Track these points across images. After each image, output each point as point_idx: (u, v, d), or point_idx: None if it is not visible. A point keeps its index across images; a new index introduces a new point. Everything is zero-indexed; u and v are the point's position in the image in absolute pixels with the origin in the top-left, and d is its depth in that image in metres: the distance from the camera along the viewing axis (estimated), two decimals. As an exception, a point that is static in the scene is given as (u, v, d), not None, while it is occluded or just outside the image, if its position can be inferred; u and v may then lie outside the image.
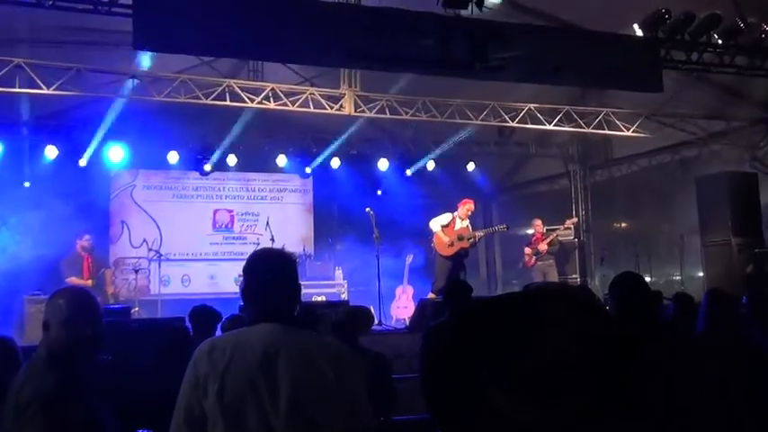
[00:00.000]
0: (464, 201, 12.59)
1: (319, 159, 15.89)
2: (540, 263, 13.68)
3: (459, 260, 12.29)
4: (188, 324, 6.79)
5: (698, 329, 4.70)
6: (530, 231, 14.79)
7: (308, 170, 16.14)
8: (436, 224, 12.37)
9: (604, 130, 14.31)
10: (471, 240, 12.33)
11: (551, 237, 13.73)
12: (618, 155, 16.45)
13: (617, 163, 16.60)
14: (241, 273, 2.83)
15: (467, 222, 12.48)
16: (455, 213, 12.44)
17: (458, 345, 1.06)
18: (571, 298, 1.03)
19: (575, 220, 15.03)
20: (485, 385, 0.98)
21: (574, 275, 14.69)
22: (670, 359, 3.22)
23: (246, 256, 2.82)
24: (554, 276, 13.56)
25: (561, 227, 14.21)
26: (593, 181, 17.27)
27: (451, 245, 12.19)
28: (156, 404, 3.20)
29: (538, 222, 14.03)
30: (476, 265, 18.58)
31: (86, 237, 12.67)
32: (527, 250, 13.85)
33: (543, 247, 13.63)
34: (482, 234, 12.64)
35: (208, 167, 15.34)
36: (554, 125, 13.93)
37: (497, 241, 19.34)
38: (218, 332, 6.28)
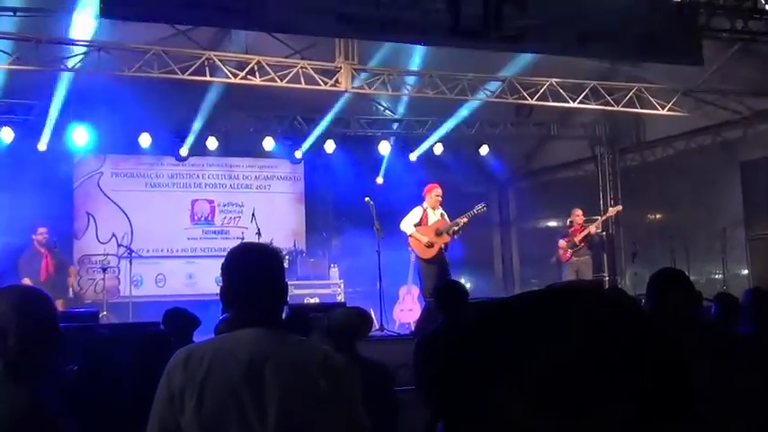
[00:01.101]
0: (429, 187, 12.23)
1: (311, 141, 15.86)
2: (575, 258, 13.66)
3: (444, 259, 12.19)
4: (164, 329, 6.79)
5: (741, 332, 4.70)
6: (552, 224, 14.82)
7: (298, 154, 16.13)
8: (408, 225, 12.04)
9: (636, 108, 14.28)
10: (454, 230, 12.11)
11: (590, 228, 13.68)
12: (651, 137, 16.42)
13: (650, 146, 16.57)
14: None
15: (440, 211, 12.27)
16: (424, 206, 12.13)
17: (463, 354, 1.05)
18: (599, 295, 1.02)
19: (619, 208, 14.98)
20: (500, 399, 0.97)
21: (602, 273, 14.68)
22: (713, 365, 3.21)
23: (229, 253, 2.82)
24: (588, 275, 13.52)
25: (601, 217, 14.18)
26: (622, 166, 17.25)
27: (431, 245, 11.94)
28: (128, 419, 3.19)
29: (578, 212, 13.96)
30: (489, 263, 18.61)
31: (40, 230, 12.66)
32: (561, 243, 13.81)
33: (581, 239, 13.60)
34: (464, 221, 12.17)
35: (185, 152, 15.33)
36: (579, 102, 13.90)
37: (514, 235, 19.35)
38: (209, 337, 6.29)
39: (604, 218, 14.26)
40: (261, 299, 2.68)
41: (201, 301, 11.92)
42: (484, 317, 1.05)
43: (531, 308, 1.04)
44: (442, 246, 12.01)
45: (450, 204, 12.80)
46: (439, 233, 12.02)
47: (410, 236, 12.09)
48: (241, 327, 2.64)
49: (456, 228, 12.04)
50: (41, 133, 13.87)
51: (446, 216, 12.29)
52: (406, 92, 13.16)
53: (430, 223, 12.09)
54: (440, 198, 12.13)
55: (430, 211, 12.13)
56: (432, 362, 5.53)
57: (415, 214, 12.15)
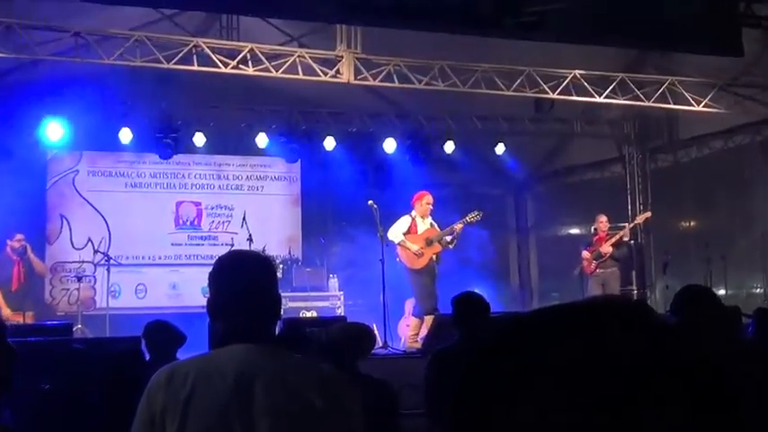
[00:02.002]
0: (419, 195, 12.37)
1: (309, 138, 15.86)
2: (600, 270, 13.61)
3: (434, 270, 12.23)
4: (144, 345, 6.80)
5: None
6: (575, 231, 14.79)
7: (294, 153, 16.12)
8: (396, 233, 12.15)
9: (668, 103, 14.27)
10: (447, 240, 12.18)
11: (617, 236, 13.64)
12: (685, 135, 16.40)
13: (684, 145, 16.56)
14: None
15: (429, 221, 12.33)
16: (412, 214, 12.27)
17: (478, 375, 1.05)
18: (632, 309, 1.02)
19: (648, 214, 14.94)
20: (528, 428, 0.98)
21: (630, 287, 14.66)
22: (754, 389, 3.20)
23: (217, 261, 2.82)
24: (615, 288, 13.49)
25: (629, 224, 14.15)
26: (653, 167, 17.23)
27: (421, 254, 12.05)
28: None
29: (602, 219, 13.91)
30: (504, 274, 18.59)
31: (18, 236, 12.71)
32: (585, 254, 13.78)
33: (607, 248, 13.55)
34: (458, 228, 12.15)
35: (169, 149, 15.32)
36: (605, 97, 13.89)
37: (532, 244, 19.33)
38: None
39: (632, 225, 14.23)
40: (251, 312, 2.68)
41: (186, 314, 11.95)
42: (497, 334, 1.05)
43: (545, 329, 1.04)
44: (433, 256, 12.08)
45: (461, 209, 12.81)
46: (429, 242, 12.11)
47: (399, 245, 12.15)
48: (229, 342, 2.65)
49: (450, 237, 12.13)
50: (12, 127, 13.84)
51: (436, 226, 12.37)
52: (415, 84, 13.16)
53: (419, 232, 12.17)
54: (430, 206, 12.30)
55: (419, 219, 12.24)
56: (445, 382, 5.53)
57: (402, 223, 12.25)
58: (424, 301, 12.01)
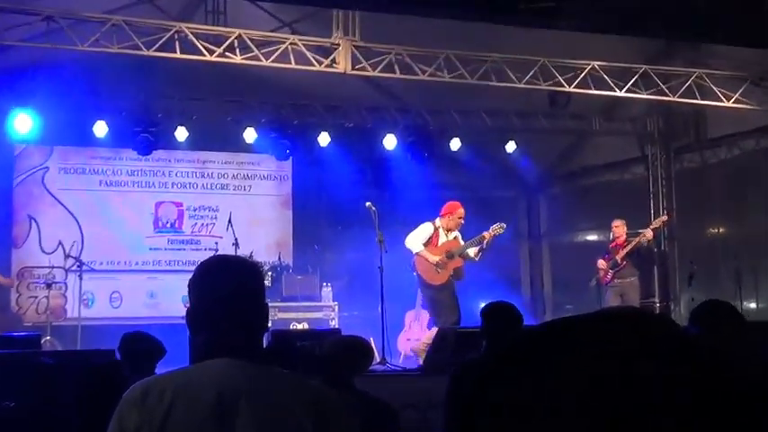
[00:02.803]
0: (451, 206, 12.32)
1: (302, 133, 15.86)
2: (617, 280, 13.58)
3: (453, 287, 12.17)
4: (120, 359, 6.79)
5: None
6: (592, 238, 14.76)
7: (285, 149, 16.11)
8: (415, 241, 12.13)
9: (695, 98, 14.26)
10: (471, 252, 12.12)
11: (633, 243, 13.59)
12: (714, 133, 16.39)
13: (712, 144, 16.55)
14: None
15: (454, 235, 12.32)
16: (437, 224, 12.24)
17: (493, 387, 1.05)
18: (653, 321, 1.01)
19: (665, 218, 14.88)
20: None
21: (652, 299, 14.65)
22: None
23: (200, 267, 2.81)
24: (635, 300, 13.46)
25: (647, 230, 14.08)
26: (678, 169, 17.22)
27: (441, 268, 11.99)
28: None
29: (617, 224, 13.85)
30: (515, 284, 18.58)
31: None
32: (600, 263, 13.74)
33: (621, 256, 13.51)
34: (486, 239, 12.06)
35: (148, 144, 15.31)
36: (626, 91, 13.88)
37: (545, 252, 19.33)
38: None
39: (649, 231, 13.94)
40: (236, 323, 2.66)
41: (166, 325, 11.94)
42: (508, 346, 1.05)
43: (557, 340, 1.03)
44: (452, 271, 12.04)
45: (468, 213, 12.79)
46: (451, 255, 12.04)
47: (417, 255, 12.09)
48: (211, 356, 2.63)
49: (473, 251, 12.09)
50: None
51: (459, 237, 12.31)
52: (418, 75, 13.15)
53: (440, 243, 12.13)
54: (462, 221, 12.25)
55: (442, 231, 12.16)
56: (466, 400, 5.50)
57: (424, 231, 12.19)
58: (442, 319, 11.94)
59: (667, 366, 0.97)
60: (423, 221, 12.77)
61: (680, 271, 16.29)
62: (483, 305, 6.24)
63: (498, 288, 14.95)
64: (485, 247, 12.25)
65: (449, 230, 12.20)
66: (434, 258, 11.98)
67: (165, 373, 2.74)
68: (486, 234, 12.17)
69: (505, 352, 1.05)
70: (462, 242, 12.29)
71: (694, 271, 14.47)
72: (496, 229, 12.21)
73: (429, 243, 12.13)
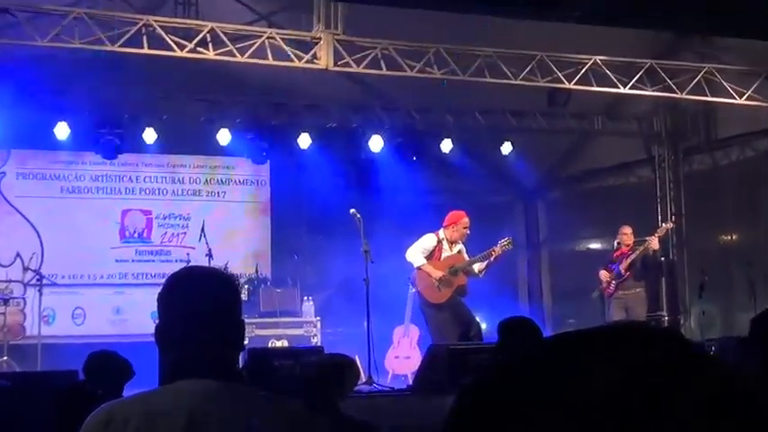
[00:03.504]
0: (456, 215, 12.23)
1: (280, 135, 15.85)
2: (621, 292, 13.57)
3: (460, 306, 12.11)
4: (84, 380, 6.77)
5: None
6: (595, 246, 14.74)
7: (263, 152, 16.09)
8: (417, 254, 12.04)
9: (705, 95, 14.31)
10: (476, 269, 12.09)
11: (636, 253, 13.58)
12: (725, 133, 16.45)
13: (724, 145, 16.60)
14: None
15: (459, 248, 12.25)
16: (440, 235, 12.15)
17: (475, 413, 1.05)
18: (661, 335, 1.01)
19: (670, 224, 14.83)
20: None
21: (659, 312, 14.66)
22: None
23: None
24: (640, 313, 13.44)
25: (652, 238, 14.07)
26: (687, 171, 17.27)
27: (445, 285, 11.91)
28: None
29: (626, 231, 13.79)
30: (512, 296, 18.56)
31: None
32: (603, 273, 13.74)
33: (624, 267, 13.50)
34: (494, 255, 12.04)
35: (114, 147, 15.28)
36: (631, 88, 13.92)
37: (545, 261, 19.35)
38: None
39: (653, 240, 13.90)
40: (209, 340, 2.65)
41: (133, 343, 11.86)
42: (495, 367, 1.05)
43: (549, 359, 1.04)
44: (459, 289, 11.97)
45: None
46: (454, 272, 11.97)
47: (418, 269, 12.05)
48: (182, 377, 2.61)
49: (478, 267, 12.05)
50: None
51: (465, 254, 12.26)
52: (406, 71, 13.16)
53: (443, 258, 12.06)
54: (467, 232, 12.13)
55: (446, 244, 12.10)
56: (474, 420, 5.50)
57: (427, 243, 12.11)
58: (441, 339, 11.88)
59: (677, 386, 0.97)
60: (411, 229, 12.76)
61: (690, 281, 16.32)
62: (500, 321, 6.26)
63: (494, 301, 14.98)
64: (492, 262, 12.22)
65: (453, 243, 12.12)
66: (437, 274, 11.86)
67: (133, 396, 2.73)
68: (494, 250, 12.07)
69: (487, 376, 1.05)
70: (467, 256, 12.24)
71: (705, 281, 14.50)
72: (505, 244, 12.13)
73: (431, 256, 12.07)
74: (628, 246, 13.69)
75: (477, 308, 15.04)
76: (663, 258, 15.04)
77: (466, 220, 12.16)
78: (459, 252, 12.20)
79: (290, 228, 16.78)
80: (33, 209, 15.55)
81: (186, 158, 16.39)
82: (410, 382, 11.58)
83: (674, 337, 1.03)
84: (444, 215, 12.61)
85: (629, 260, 13.46)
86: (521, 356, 1.05)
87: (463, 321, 12.02)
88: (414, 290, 12.31)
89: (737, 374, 0.99)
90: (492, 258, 12.12)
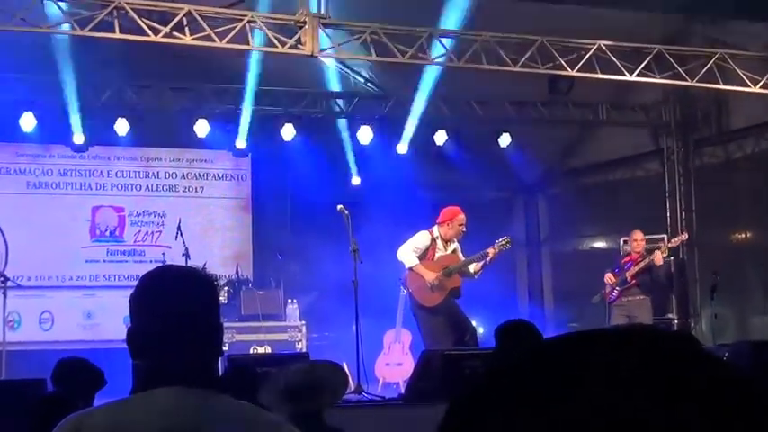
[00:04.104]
0: (449, 211, 12.26)
1: (262, 126, 15.83)
2: (624, 299, 13.58)
3: (454, 309, 12.12)
4: (53, 390, 6.75)
5: None
6: (599, 244, 14.71)
7: (242, 143, 16.08)
8: (408, 254, 12.03)
9: (717, 83, 14.31)
10: (472, 269, 12.10)
11: (645, 262, 13.53)
12: (739, 123, 16.46)
13: (737, 136, 16.61)
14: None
15: (454, 246, 12.29)
16: (435, 234, 12.18)
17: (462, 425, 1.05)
18: (673, 338, 1.01)
19: (684, 236, 14.70)
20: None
21: (668, 315, 14.67)
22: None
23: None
24: (644, 320, 13.45)
25: (656, 252, 14.04)
26: (698, 164, 17.28)
27: (438, 288, 11.94)
28: None
29: (637, 237, 13.75)
30: (511, 298, 18.58)
31: None
32: (608, 277, 13.74)
33: (630, 275, 13.47)
34: (491, 255, 12.01)
35: (82, 139, 15.27)
36: (638, 75, 13.92)
37: (546, 260, 19.36)
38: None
39: (655, 254, 13.87)
40: (186, 346, 2.65)
41: (105, 349, 11.87)
42: (487, 374, 1.05)
43: (544, 364, 1.04)
44: (453, 291, 11.98)
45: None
46: (448, 273, 11.97)
47: (410, 269, 12.04)
48: (156, 385, 2.61)
49: (474, 267, 12.05)
50: None
51: (459, 251, 12.26)
52: (397, 57, 13.15)
53: (436, 258, 12.06)
54: (464, 229, 12.12)
55: (440, 242, 12.10)
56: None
57: (420, 242, 12.10)
58: (434, 346, 11.88)
59: (687, 392, 0.97)
60: (403, 227, 12.77)
61: (701, 282, 16.33)
62: (498, 325, 6.26)
63: (491, 304, 15.00)
64: (488, 263, 12.21)
65: (448, 241, 12.14)
66: (430, 276, 11.87)
67: (102, 406, 2.73)
68: (490, 250, 12.04)
69: (497, 374, 1.05)
70: (462, 256, 12.25)
71: (717, 283, 14.53)
72: (503, 243, 12.12)
73: (424, 256, 12.07)
74: (638, 253, 13.69)
75: (473, 311, 15.05)
76: (672, 258, 15.02)
77: (462, 216, 12.16)
78: (454, 251, 12.21)
79: (272, 225, 16.78)
80: (-3, 206, 15.55)
81: (161, 151, 16.38)
82: (402, 391, 11.57)
83: (685, 339, 1.02)
84: (438, 211, 12.61)
85: (636, 268, 13.45)
86: (515, 363, 1.04)
87: (458, 325, 12.03)
88: (405, 292, 12.30)
89: (751, 379, 0.99)
90: (488, 259, 12.10)
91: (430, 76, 14.48)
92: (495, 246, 12.06)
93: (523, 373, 1.02)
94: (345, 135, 16.39)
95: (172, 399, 2.57)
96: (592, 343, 1.03)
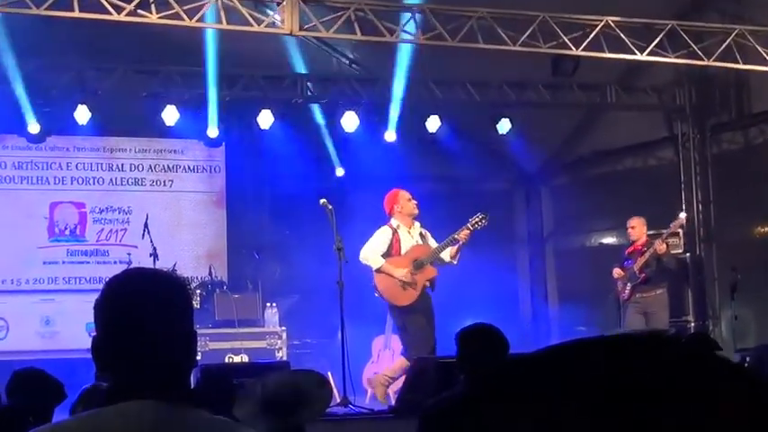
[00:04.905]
0: (392, 195, 12.38)
1: (237, 112, 15.82)
2: (638, 295, 13.61)
3: (429, 305, 12.21)
4: (8, 403, 6.76)
5: None
6: (610, 240, 14.73)
7: (215, 132, 16.06)
8: (374, 256, 12.11)
9: (736, 62, 14.34)
10: (447, 255, 12.13)
11: (647, 254, 13.60)
12: (760, 107, 16.48)
13: (758, 120, 16.63)
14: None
15: (418, 230, 12.35)
16: (393, 224, 12.23)
17: None
18: (687, 342, 1.03)
19: (682, 218, 14.67)
20: None
21: (684, 317, 14.69)
22: None
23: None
24: (662, 319, 13.48)
25: (668, 230, 14.10)
26: (716, 151, 17.30)
27: (409, 285, 11.97)
28: None
29: (633, 224, 13.83)
30: (512, 300, 18.61)
31: None
32: (617, 271, 13.77)
33: (638, 267, 13.51)
34: (463, 237, 11.96)
35: (38, 128, 15.24)
36: (649, 54, 13.94)
37: (550, 258, 19.38)
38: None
39: (658, 243, 13.89)
40: (156, 356, 2.66)
41: (65, 360, 11.88)
42: (487, 380, 1.06)
43: (551, 371, 1.05)
44: (427, 284, 12.00)
45: (451, 211, 12.80)
46: (419, 265, 11.99)
47: (377, 271, 12.08)
48: (123, 399, 2.62)
49: (449, 252, 12.06)
50: None
51: (429, 237, 12.30)
52: (385, 37, 13.15)
53: (404, 251, 12.08)
54: (414, 204, 12.19)
55: (403, 231, 12.13)
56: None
57: (380, 239, 12.13)
58: (415, 349, 11.92)
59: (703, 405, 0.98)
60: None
61: (720, 281, 16.36)
62: (459, 329, 6.27)
63: (489, 306, 15.03)
64: (462, 245, 12.18)
65: (408, 226, 12.19)
66: (400, 272, 11.93)
67: (63, 422, 2.74)
68: (462, 232, 12.05)
69: (483, 388, 1.07)
70: (434, 242, 12.29)
71: (737, 281, 14.57)
72: (476, 221, 12.07)
73: (391, 252, 12.11)
74: (639, 241, 13.72)
75: (468, 314, 15.04)
76: (688, 255, 15.06)
77: (403, 192, 12.33)
78: (423, 237, 12.24)
79: (249, 222, 16.77)
80: (-55, 202, 15.55)
81: (126, 141, 16.36)
82: (392, 403, 11.60)
83: (703, 342, 1.04)
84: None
85: (642, 260, 13.49)
86: (492, 379, 1.06)
87: (433, 322, 12.13)
88: (377, 294, 12.31)
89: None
90: (462, 241, 12.09)
91: (415, 56, 14.47)
92: (469, 224, 12.01)
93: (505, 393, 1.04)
94: (328, 122, 16.36)
95: (140, 414, 2.57)
96: (595, 353, 1.05)
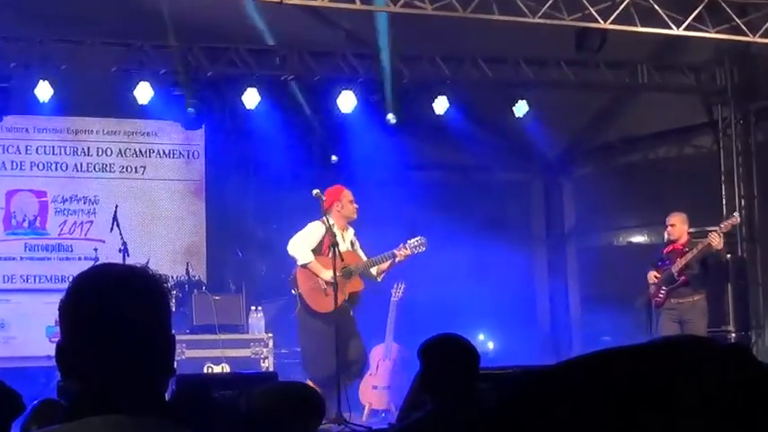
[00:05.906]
0: (334, 190, 12.48)
1: (219, 90, 15.84)
2: (674, 300, 13.61)
3: (350, 323, 12.33)
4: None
5: None
6: (639, 239, 14.74)
7: (194, 111, 16.05)
8: (301, 248, 12.28)
9: (785, 39, 14.39)
10: (375, 271, 12.28)
11: (694, 251, 13.55)
12: (811, 89, 16.55)
13: (809, 105, 16.70)
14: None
15: (351, 236, 12.51)
16: (328, 221, 12.23)
17: None
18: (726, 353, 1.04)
19: (735, 218, 14.65)
20: None
21: (725, 327, 14.71)
22: None
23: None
24: (700, 327, 13.47)
25: (713, 233, 14.04)
26: (761, 139, 17.33)
27: (337, 289, 11.95)
28: None
29: (673, 221, 13.78)
30: (528, 307, 18.62)
31: None
32: (651, 275, 13.78)
33: (678, 268, 13.48)
34: (400, 257, 12.35)
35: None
36: (686, 29, 13.96)
37: (571, 258, 19.39)
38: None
39: (712, 235, 13.82)
40: (128, 365, 2.67)
41: (23, 368, 11.90)
42: (512, 397, 1.07)
43: (583, 385, 1.06)
44: (347, 296, 12.09)
45: (461, 203, 12.79)
46: (348, 274, 12.07)
47: (303, 267, 12.15)
48: (91, 412, 2.63)
49: (379, 271, 12.30)
50: None
51: (358, 246, 12.42)
52: (388, 6, 13.17)
53: (336, 254, 12.16)
54: (354, 207, 12.38)
55: (337, 232, 12.19)
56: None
57: (314, 234, 12.23)
58: (317, 364, 12.11)
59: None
60: (392, 215, 12.84)
61: (763, 286, 16.40)
62: (422, 343, 6.29)
63: (503, 313, 15.06)
64: (394, 264, 12.47)
65: (343, 229, 12.28)
66: (327, 275, 12.01)
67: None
68: (398, 252, 12.37)
69: (512, 402, 1.08)
70: (362, 253, 12.48)
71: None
72: (415, 245, 12.42)
73: (320, 250, 12.22)
74: (680, 240, 13.69)
75: (481, 324, 15.14)
76: (729, 256, 15.08)
77: (347, 191, 12.44)
78: (353, 245, 12.35)
79: (231, 214, 16.81)
80: None
81: (93, 122, 16.36)
82: (393, 420, 11.63)
83: (741, 353, 1.05)
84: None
85: (684, 260, 13.45)
86: (521, 395, 1.06)
87: (348, 347, 12.20)
88: (294, 291, 12.37)
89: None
90: (396, 260, 12.39)
91: (421, 28, 14.49)
92: (407, 246, 12.32)
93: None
94: (323, 101, 16.37)
95: (110, 429, 2.59)
96: (626, 365, 1.06)
